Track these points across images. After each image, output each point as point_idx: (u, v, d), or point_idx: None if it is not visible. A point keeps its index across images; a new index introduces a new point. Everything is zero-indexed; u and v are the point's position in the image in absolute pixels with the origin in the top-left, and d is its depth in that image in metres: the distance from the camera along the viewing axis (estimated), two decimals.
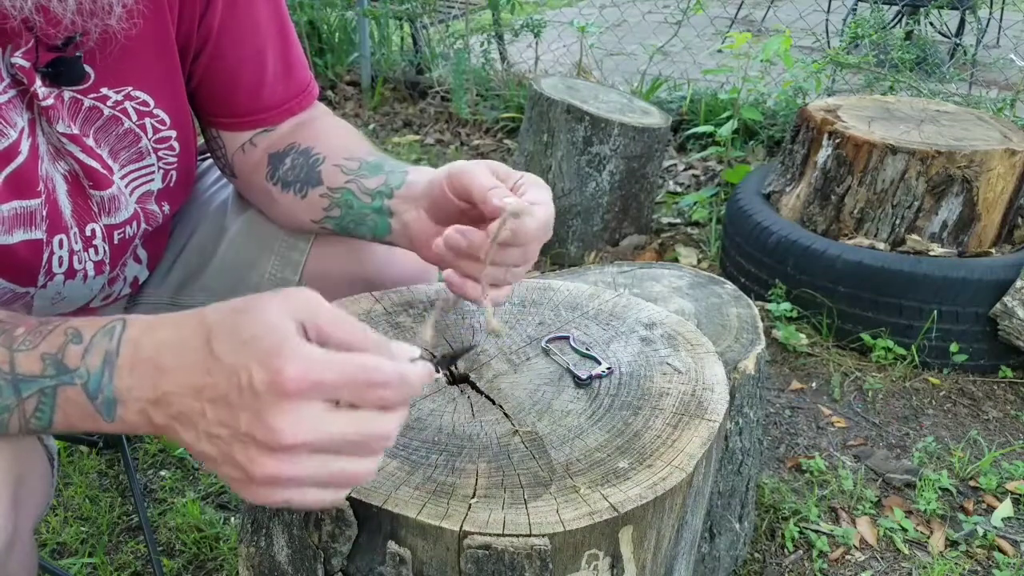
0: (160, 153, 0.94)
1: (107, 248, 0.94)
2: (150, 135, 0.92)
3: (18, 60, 0.78)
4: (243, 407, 0.55)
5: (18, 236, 0.84)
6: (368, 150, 0.99)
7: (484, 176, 0.82)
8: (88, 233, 0.91)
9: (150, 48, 0.87)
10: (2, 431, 0.65)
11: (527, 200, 0.81)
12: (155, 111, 0.91)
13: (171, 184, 0.98)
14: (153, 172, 0.95)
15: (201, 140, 1.07)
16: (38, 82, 0.80)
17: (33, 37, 0.78)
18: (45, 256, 0.88)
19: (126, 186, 0.93)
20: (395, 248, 1.00)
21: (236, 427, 0.55)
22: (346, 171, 0.96)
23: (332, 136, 1.02)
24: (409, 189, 0.92)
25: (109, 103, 0.87)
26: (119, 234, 0.95)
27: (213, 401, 0.57)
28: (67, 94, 0.83)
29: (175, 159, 0.96)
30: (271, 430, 0.54)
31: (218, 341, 0.58)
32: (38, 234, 0.86)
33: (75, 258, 0.91)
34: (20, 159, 0.81)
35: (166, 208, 1.00)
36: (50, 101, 0.81)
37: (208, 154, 1.19)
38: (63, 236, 0.88)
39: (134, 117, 0.89)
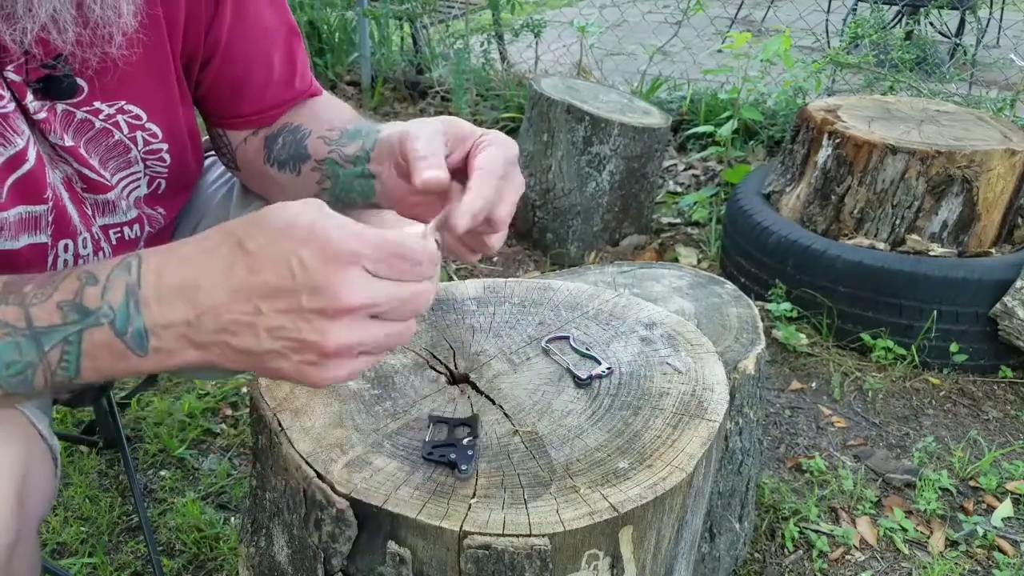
0: (149, 163, 0.94)
1: (110, 250, 0.94)
2: (140, 147, 0.92)
3: (9, 75, 0.78)
4: (300, 287, 0.58)
5: (23, 240, 0.84)
6: (350, 119, 0.97)
7: (424, 144, 0.77)
8: (96, 236, 0.92)
9: (146, 64, 0.87)
10: (27, 390, 0.64)
11: (476, 163, 0.76)
12: (147, 125, 0.91)
13: (159, 191, 0.98)
14: (139, 178, 0.95)
15: (204, 138, 1.07)
16: (29, 96, 0.80)
17: (23, 53, 0.78)
18: (49, 260, 0.88)
19: (121, 191, 0.93)
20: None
21: (299, 307, 0.58)
22: (328, 142, 0.95)
23: (321, 111, 1.02)
24: (380, 148, 0.89)
25: (101, 116, 0.87)
26: (116, 233, 0.95)
27: (266, 296, 0.59)
28: (60, 107, 0.83)
29: (165, 169, 0.96)
30: (335, 297, 0.57)
31: (251, 240, 0.59)
32: (43, 238, 0.86)
33: (80, 262, 0.91)
34: (27, 166, 0.81)
35: (161, 211, 1.00)
36: (43, 115, 0.81)
37: (210, 152, 1.19)
38: (69, 241, 0.89)
39: (125, 130, 0.89)
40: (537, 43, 3.76)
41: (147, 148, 0.93)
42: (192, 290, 0.60)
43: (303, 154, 0.97)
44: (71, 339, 0.62)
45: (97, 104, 0.86)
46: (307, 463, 0.75)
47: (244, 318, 0.59)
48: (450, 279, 2.40)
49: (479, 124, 4.01)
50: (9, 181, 0.80)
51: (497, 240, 0.79)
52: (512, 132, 3.50)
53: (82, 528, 1.54)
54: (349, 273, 0.58)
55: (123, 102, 0.88)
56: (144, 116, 0.90)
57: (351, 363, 0.61)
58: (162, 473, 1.69)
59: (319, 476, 0.73)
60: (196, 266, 0.61)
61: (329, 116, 0.99)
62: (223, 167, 1.18)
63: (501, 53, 3.98)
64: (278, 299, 0.59)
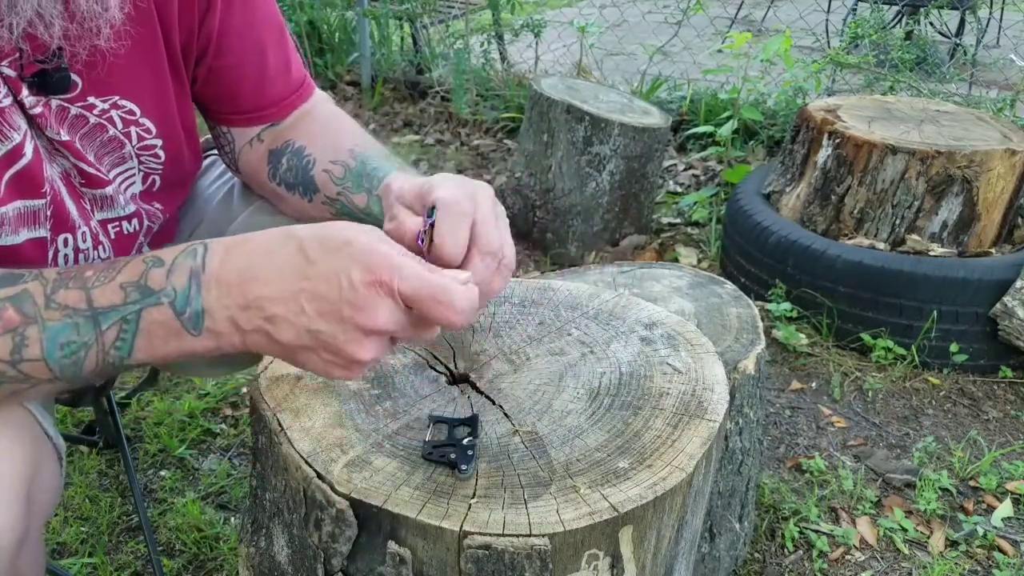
0: (142, 158, 0.94)
1: (109, 244, 0.95)
2: (134, 142, 0.92)
3: (4, 70, 0.78)
4: (344, 301, 0.64)
5: (24, 235, 0.84)
6: (351, 149, 0.97)
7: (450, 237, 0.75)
8: (95, 231, 0.92)
9: (138, 59, 0.87)
10: (77, 372, 0.67)
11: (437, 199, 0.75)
12: (141, 120, 0.91)
13: (154, 187, 0.98)
14: (133, 174, 0.95)
15: (204, 137, 1.08)
16: (24, 91, 0.80)
17: (18, 49, 0.78)
18: (50, 255, 0.88)
19: (119, 186, 0.94)
20: None
21: (339, 316, 0.64)
22: (334, 179, 0.97)
23: (325, 132, 1.02)
24: (384, 205, 0.87)
25: (95, 111, 0.87)
26: (114, 228, 0.95)
27: (313, 300, 0.65)
28: (54, 102, 0.83)
29: (159, 166, 0.96)
30: (371, 317, 0.64)
31: (312, 250, 0.65)
32: (42, 232, 0.86)
33: (80, 256, 0.91)
34: (24, 161, 0.81)
35: (158, 207, 1.00)
36: (38, 109, 0.81)
37: (210, 152, 1.20)
38: (69, 235, 0.89)
39: (120, 125, 0.90)
40: (537, 43, 3.76)
41: (141, 144, 0.93)
42: (249, 281, 0.65)
43: (312, 185, 0.99)
44: (129, 318, 0.66)
45: (91, 99, 0.86)
46: (307, 463, 0.75)
47: (287, 315, 0.65)
48: None
49: (479, 124, 3.96)
50: (7, 175, 0.80)
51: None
52: (512, 132, 3.50)
53: (82, 528, 1.54)
54: (386, 302, 0.64)
55: (116, 97, 0.88)
56: (138, 111, 0.90)
57: (360, 369, 0.68)
58: (162, 473, 1.69)
59: (319, 476, 0.73)
60: (257, 261, 0.66)
61: (333, 142, 1.00)
62: (222, 167, 1.18)
63: (501, 53, 3.98)
64: (323, 304, 0.64)
